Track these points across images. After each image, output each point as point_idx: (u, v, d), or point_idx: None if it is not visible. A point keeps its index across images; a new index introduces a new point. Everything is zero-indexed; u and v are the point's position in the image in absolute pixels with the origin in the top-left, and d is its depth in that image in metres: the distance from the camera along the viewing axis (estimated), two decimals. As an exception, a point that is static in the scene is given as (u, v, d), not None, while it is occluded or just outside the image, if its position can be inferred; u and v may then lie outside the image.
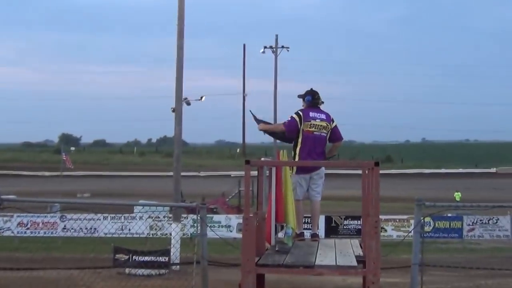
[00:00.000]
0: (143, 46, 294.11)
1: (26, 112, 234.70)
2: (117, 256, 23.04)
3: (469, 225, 34.94)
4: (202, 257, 8.74)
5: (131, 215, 34.44)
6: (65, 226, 34.13)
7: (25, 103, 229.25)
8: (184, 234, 29.13)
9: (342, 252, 7.98)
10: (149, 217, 33.63)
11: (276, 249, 7.95)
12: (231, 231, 34.01)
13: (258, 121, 9.46)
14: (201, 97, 51.39)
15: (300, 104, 9.42)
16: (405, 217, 34.94)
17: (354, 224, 34.31)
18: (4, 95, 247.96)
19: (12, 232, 33.09)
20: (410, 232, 8.88)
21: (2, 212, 30.10)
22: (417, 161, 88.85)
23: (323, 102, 9.40)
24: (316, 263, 7.21)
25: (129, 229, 33.32)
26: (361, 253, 7.80)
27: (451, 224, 35.01)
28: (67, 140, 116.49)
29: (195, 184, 55.20)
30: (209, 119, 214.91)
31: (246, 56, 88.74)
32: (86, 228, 33.28)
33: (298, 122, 9.07)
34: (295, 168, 9.02)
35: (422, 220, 8.63)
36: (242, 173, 7.76)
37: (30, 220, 34.52)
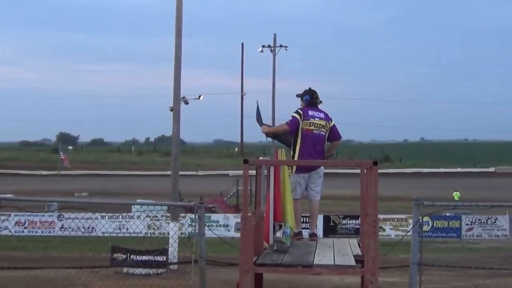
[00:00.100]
0: (140, 45, 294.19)
1: (23, 111, 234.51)
2: (115, 255, 22.95)
3: (467, 224, 34.95)
4: (200, 256, 8.72)
5: (129, 214, 34.42)
6: (62, 225, 34.12)
7: (23, 102, 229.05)
8: (182, 234, 29.12)
9: (340, 251, 7.97)
10: (147, 216, 33.60)
11: (275, 248, 7.94)
12: (229, 231, 34.02)
13: (261, 123, 9.36)
14: (199, 96, 51.29)
15: (298, 104, 9.40)
16: (403, 216, 34.97)
17: (352, 223, 34.31)
18: (1, 94, 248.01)
19: (10, 231, 33.08)
20: (409, 231, 8.86)
21: (-1, 211, 30.08)
22: (416, 161, 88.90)
23: (321, 102, 9.39)
24: (314, 263, 7.20)
25: (127, 228, 33.31)
26: (360, 253, 7.78)
27: (450, 224, 35.03)
28: (65, 139, 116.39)
29: (193, 183, 55.18)
30: (207, 118, 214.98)
31: (244, 55, 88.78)
32: (84, 227, 33.27)
33: (299, 120, 9.06)
34: (294, 167, 9.00)
35: (421, 220, 8.61)
36: (240, 172, 7.74)
37: (28, 219, 34.50)
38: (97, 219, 33.22)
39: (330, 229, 34.41)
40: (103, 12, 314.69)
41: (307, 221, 9.51)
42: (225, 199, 45.78)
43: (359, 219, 10.16)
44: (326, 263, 7.20)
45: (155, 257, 22.56)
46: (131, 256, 22.65)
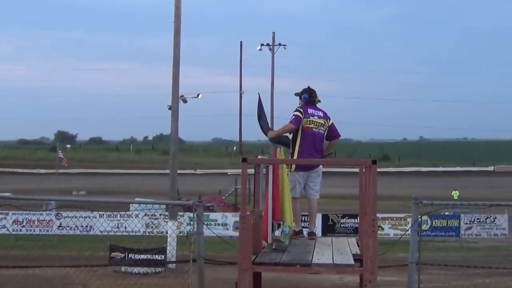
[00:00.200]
0: (139, 44, 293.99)
1: (21, 109, 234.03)
2: (113, 254, 22.95)
3: (466, 223, 34.95)
4: (199, 255, 8.69)
5: (127, 213, 34.39)
6: (60, 224, 34.09)
7: (21, 100, 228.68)
8: (180, 232, 29.11)
9: (339, 250, 7.96)
10: (145, 215, 33.56)
11: (273, 247, 7.92)
12: (227, 229, 34.00)
13: (262, 117, 9.23)
14: (198, 95, 51.31)
15: (297, 102, 9.37)
16: (402, 215, 34.95)
17: (351, 222, 34.28)
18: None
19: (8, 230, 33.06)
20: (407, 230, 8.85)
21: (-3, 209, 30.05)
22: (415, 159, 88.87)
23: (319, 100, 9.36)
24: (313, 262, 7.19)
25: (125, 227, 33.26)
26: (358, 252, 7.77)
27: (449, 223, 35.03)
28: (63, 137, 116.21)
29: (191, 182, 55.16)
30: (206, 117, 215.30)
31: (243, 54, 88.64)
32: (82, 226, 33.25)
33: (302, 118, 9.02)
34: (293, 166, 8.97)
35: (419, 219, 8.60)
36: (239, 171, 7.71)
37: (26, 218, 34.45)
38: (95, 217, 33.17)
39: (329, 228, 34.42)
40: (102, 10, 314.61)
41: (305, 220, 9.47)
42: (223, 197, 45.75)
43: (358, 218, 10.14)
44: (324, 262, 7.19)
45: (154, 256, 22.57)
46: (129, 255, 22.65)
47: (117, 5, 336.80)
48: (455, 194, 49.71)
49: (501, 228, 34.68)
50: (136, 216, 33.49)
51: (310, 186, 9.14)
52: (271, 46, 60.58)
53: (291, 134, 9.15)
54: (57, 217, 34.22)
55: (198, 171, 74.12)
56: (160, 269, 22.20)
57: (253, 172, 8.26)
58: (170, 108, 26.88)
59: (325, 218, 34.71)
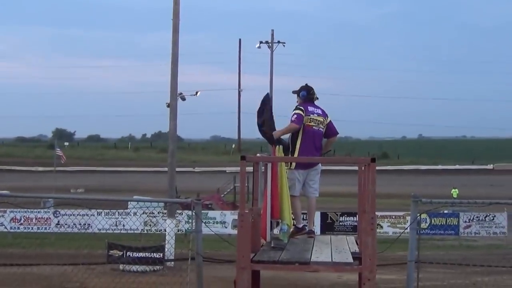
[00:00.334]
0: (137, 41, 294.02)
1: (19, 107, 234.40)
2: (111, 252, 22.92)
3: (465, 222, 34.96)
4: (197, 253, 8.65)
5: (125, 211, 34.39)
6: (58, 221, 34.06)
7: (19, 97, 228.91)
8: (178, 230, 29.07)
9: (338, 248, 7.94)
10: (143, 213, 33.57)
11: (272, 245, 7.89)
12: (226, 227, 33.99)
13: (267, 128, 8.95)
14: (196, 92, 51.18)
15: (295, 100, 9.30)
16: (401, 213, 34.96)
17: (350, 220, 34.27)
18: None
19: (5, 228, 33.04)
20: (406, 228, 8.82)
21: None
22: (414, 158, 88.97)
23: (317, 98, 9.30)
24: (311, 260, 7.18)
25: (123, 225, 33.27)
26: (357, 250, 7.75)
27: (448, 221, 35.03)
28: (61, 135, 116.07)
29: (190, 180, 55.20)
30: (205, 115, 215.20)
31: (241, 51, 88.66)
32: (80, 224, 33.22)
33: (303, 116, 8.94)
34: (293, 164, 8.90)
35: (419, 217, 8.57)
36: (238, 169, 7.67)
37: (24, 216, 34.45)
38: (93, 215, 33.10)
39: (328, 226, 34.40)
40: (100, 7, 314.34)
41: (304, 218, 9.43)
42: (222, 195, 45.81)
43: (357, 216, 10.11)
44: (323, 260, 7.17)
45: (152, 254, 22.54)
46: (128, 253, 22.62)
47: (117, 2, 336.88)
48: (455, 192, 49.72)
49: (500, 227, 34.66)
50: (134, 214, 33.49)
51: (309, 184, 9.08)
52: (270, 44, 60.48)
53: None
54: (55, 215, 34.19)
55: (197, 169, 74.17)
56: (158, 267, 22.19)
57: (252, 170, 8.22)
58: (168, 106, 26.85)
59: (324, 216, 34.69)
